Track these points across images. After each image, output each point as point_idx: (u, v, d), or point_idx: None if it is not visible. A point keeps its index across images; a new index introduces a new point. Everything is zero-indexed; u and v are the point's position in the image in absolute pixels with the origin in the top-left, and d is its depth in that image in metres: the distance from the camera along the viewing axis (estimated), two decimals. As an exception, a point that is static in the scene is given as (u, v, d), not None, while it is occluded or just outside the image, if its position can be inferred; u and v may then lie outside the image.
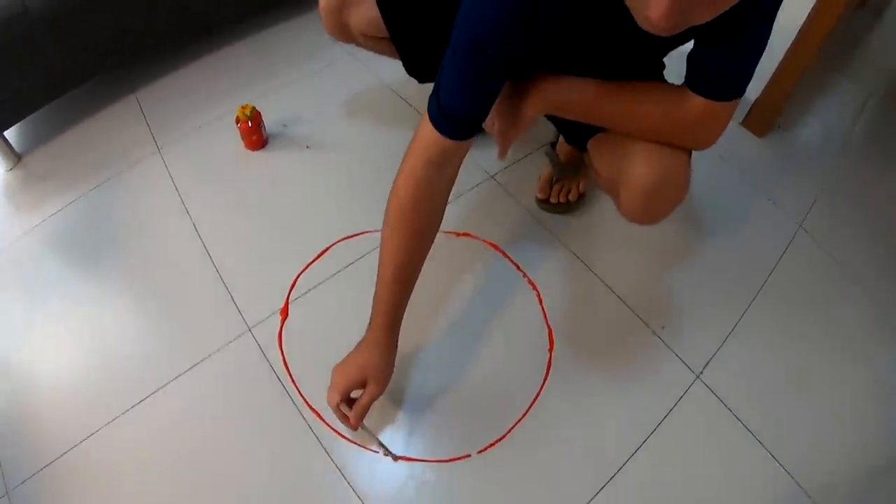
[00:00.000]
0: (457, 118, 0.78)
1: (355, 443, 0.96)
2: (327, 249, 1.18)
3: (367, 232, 1.21)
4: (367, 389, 0.88)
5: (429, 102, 0.79)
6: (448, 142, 0.79)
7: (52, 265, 1.25)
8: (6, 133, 1.43)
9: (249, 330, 1.08)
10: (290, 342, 1.06)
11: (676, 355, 1.06)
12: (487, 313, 1.09)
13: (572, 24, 0.74)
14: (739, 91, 0.77)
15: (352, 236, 1.21)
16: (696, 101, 0.77)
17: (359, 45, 1.20)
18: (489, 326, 1.08)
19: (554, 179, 1.24)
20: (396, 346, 0.92)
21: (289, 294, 1.12)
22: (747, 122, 1.66)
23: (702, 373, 1.05)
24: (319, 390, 0.92)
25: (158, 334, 1.11)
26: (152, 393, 1.02)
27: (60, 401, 1.05)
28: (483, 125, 0.86)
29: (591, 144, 1.00)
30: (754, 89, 1.57)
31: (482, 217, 1.24)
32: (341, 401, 0.89)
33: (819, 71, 2.03)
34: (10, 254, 1.27)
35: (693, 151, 0.88)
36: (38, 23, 1.31)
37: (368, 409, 0.89)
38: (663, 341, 1.08)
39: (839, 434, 1.01)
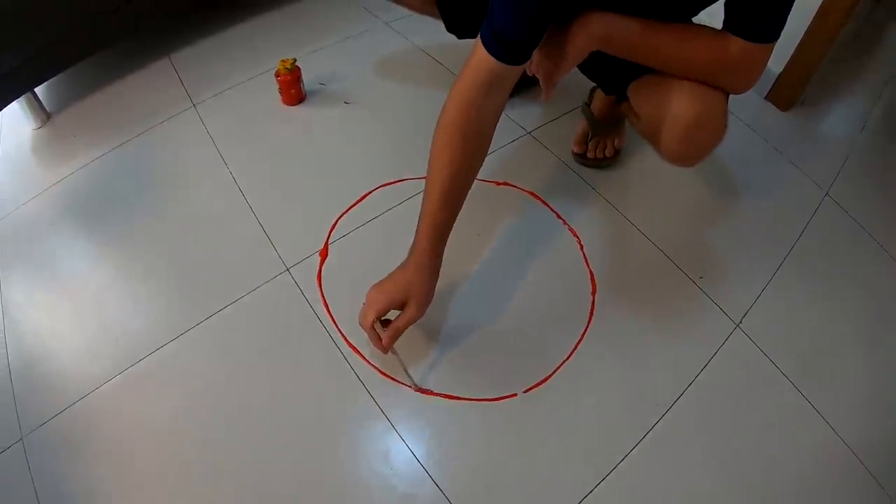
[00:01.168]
0: (509, 40, 0.80)
1: (383, 373, 0.97)
2: (367, 195, 1.21)
3: (407, 179, 1.23)
4: (406, 311, 0.88)
5: (482, 27, 0.82)
6: (499, 65, 0.81)
7: (83, 214, 1.26)
8: (37, 90, 1.44)
9: (288, 270, 1.10)
10: (329, 282, 1.08)
11: (716, 304, 1.08)
12: (529, 258, 1.11)
13: None
14: (774, 35, 0.81)
15: (391, 183, 1.23)
16: (737, 43, 0.81)
17: (403, 4, 1.25)
18: (532, 270, 1.10)
19: (590, 136, 1.27)
20: (438, 272, 0.93)
21: (328, 235, 1.14)
22: (771, 96, 1.72)
23: (741, 322, 1.06)
24: (360, 329, 0.92)
25: (195, 274, 1.12)
26: (187, 330, 1.03)
27: (90, 340, 1.06)
28: (527, 70, 0.89)
29: (632, 88, 1.03)
30: (778, 64, 1.63)
31: (521, 168, 1.27)
32: (376, 319, 0.89)
33: (840, 56, 2.11)
34: (39, 204, 1.28)
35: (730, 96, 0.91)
36: None
37: (403, 332, 0.89)
38: (702, 290, 1.10)
39: (877, 387, 1.02)
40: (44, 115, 1.49)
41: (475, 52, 0.83)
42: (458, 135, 0.86)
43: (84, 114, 1.51)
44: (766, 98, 1.72)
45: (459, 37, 1.25)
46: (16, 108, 1.43)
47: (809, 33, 1.56)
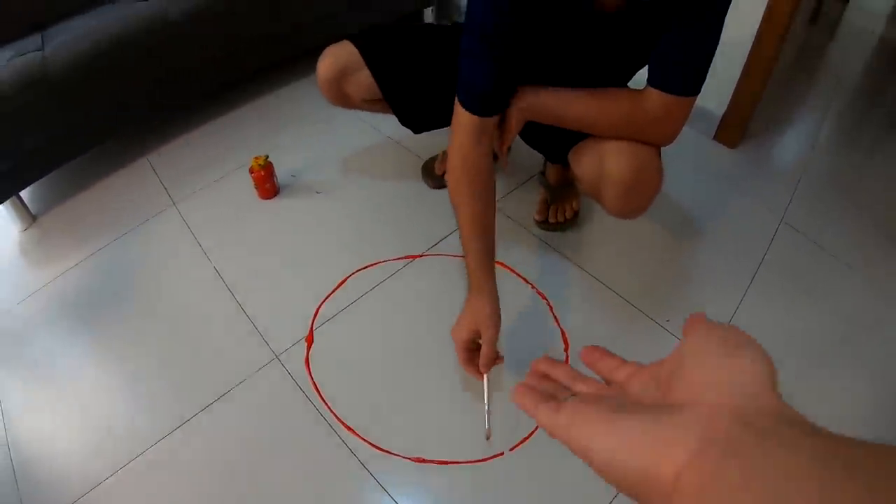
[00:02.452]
0: (478, 95, 0.98)
1: (377, 447, 1.05)
2: (345, 280, 1.32)
3: (381, 262, 1.35)
4: (484, 337, 0.99)
5: (457, 93, 1.00)
6: (476, 118, 0.99)
7: (74, 314, 1.36)
8: (22, 193, 1.57)
9: (277, 357, 1.19)
10: (317, 366, 1.17)
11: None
12: (505, 326, 1.22)
13: (553, 27, 0.96)
14: (693, 89, 0.96)
15: (366, 267, 1.34)
16: (656, 96, 0.96)
17: (358, 108, 1.40)
18: (507, 336, 1.20)
19: (549, 202, 1.41)
20: (497, 294, 1.04)
21: (312, 322, 1.24)
22: (719, 136, 1.91)
23: None
24: (350, 408, 1.03)
25: (186, 369, 1.21)
26: (183, 423, 1.12)
27: (89, 438, 1.13)
28: None
29: (571, 155, 1.18)
30: (720, 105, 1.82)
31: None
32: (467, 351, 1.00)
33: (783, 82, 2.32)
34: (31, 305, 1.38)
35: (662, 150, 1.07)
36: (56, 87, 1.49)
37: (494, 351, 0.99)
38: (670, 332, 1.22)
39: (847, 403, 1.14)
40: (29, 218, 1.62)
41: (457, 116, 1.01)
42: (466, 183, 1.02)
43: (68, 215, 1.63)
44: (714, 139, 1.89)
45: (415, 131, 1.40)
46: (2, 211, 1.56)
47: (745, 74, 1.74)
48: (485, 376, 0.99)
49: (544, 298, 1.27)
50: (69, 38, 1.59)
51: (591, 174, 1.10)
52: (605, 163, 1.05)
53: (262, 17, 1.83)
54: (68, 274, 1.44)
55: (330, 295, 1.29)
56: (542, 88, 1.04)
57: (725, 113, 1.85)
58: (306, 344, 1.21)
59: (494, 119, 1.02)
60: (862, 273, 1.41)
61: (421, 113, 1.34)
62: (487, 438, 1.01)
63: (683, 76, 0.95)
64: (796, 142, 2.02)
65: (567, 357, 1.16)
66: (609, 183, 1.05)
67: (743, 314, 1.27)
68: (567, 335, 1.20)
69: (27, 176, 1.57)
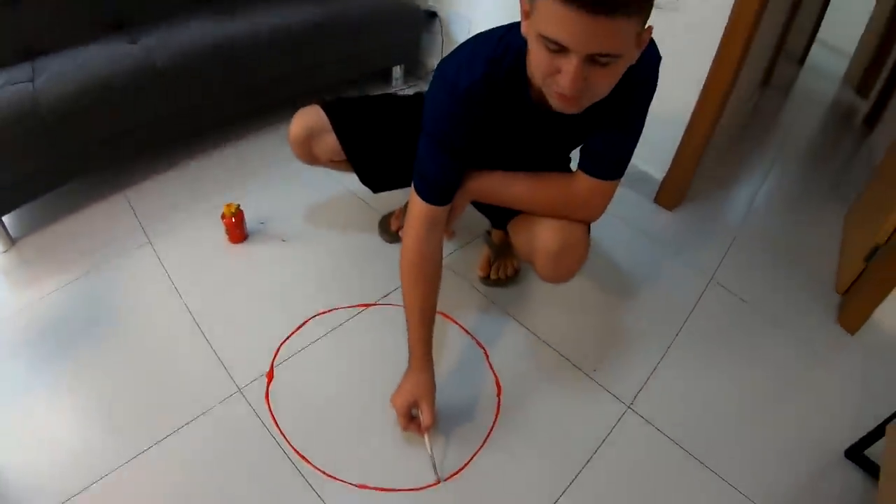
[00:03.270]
0: (433, 186, 1.17)
1: (327, 473, 1.22)
2: (304, 323, 1.50)
3: (338, 308, 1.54)
4: (424, 407, 1.20)
5: (413, 182, 1.20)
6: (431, 207, 1.19)
7: (49, 338, 1.48)
8: (3, 218, 1.72)
9: (240, 390, 1.36)
10: (276, 400, 1.34)
11: (607, 391, 1.40)
12: (445, 370, 1.42)
13: (500, 123, 1.16)
14: (616, 173, 1.18)
15: (325, 312, 1.53)
16: (584, 180, 1.18)
17: (324, 166, 1.60)
18: (447, 381, 1.39)
19: (492, 259, 1.62)
20: (433, 368, 1.25)
21: (273, 360, 1.42)
22: (659, 199, 2.15)
23: (632, 403, 1.39)
24: (305, 439, 1.22)
25: (151, 397, 1.35)
26: (146, 449, 1.25)
27: (55, 460, 1.24)
28: None
29: (509, 226, 1.41)
30: (659, 170, 2.07)
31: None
32: (406, 420, 1.23)
33: (730, 143, 2.61)
34: (8, 328, 1.51)
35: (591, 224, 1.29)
36: (45, 120, 1.65)
37: (433, 418, 1.21)
38: (595, 381, 1.42)
39: (770, 443, 1.36)
40: (9, 241, 1.76)
41: (412, 205, 1.21)
42: (416, 269, 1.22)
43: (47, 241, 1.78)
44: (654, 201, 2.13)
45: (374, 191, 1.62)
46: None
47: (683, 143, 1.99)
48: (426, 435, 1.20)
49: (481, 347, 1.47)
50: (59, 74, 1.75)
51: (525, 245, 1.33)
52: (536, 237, 1.27)
53: (241, 71, 2.04)
54: (45, 299, 1.59)
55: (290, 336, 1.47)
56: (485, 173, 1.26)
57: (665, 178, 2.09)
58: (267, 379, 1.38)
59: (447, 207, 1.21)
60: (786, 330, 1.67)
61: (380, 175, 1.56)
62: (437, 483, 1.21)
63: (608, 164, 1.17)
64: (734, 203, 2.28)
65: (499, 402, 1.36)
66: (539, 254, 1.27)
67: (665, 369, 1.48)
68: (500, 381, 1.40)
69: (9, 203, 1.73)
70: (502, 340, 1.50)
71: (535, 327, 1.54)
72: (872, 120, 3.68)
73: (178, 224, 1.81)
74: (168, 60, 1.86)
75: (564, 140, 1.28)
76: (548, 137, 1.23)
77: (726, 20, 1.71)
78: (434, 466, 1.21)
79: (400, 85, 2.82)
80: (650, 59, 1.11)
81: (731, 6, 1.68)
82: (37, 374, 1.41)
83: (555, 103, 0.97)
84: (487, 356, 1.45)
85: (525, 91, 1.08)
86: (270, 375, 1.39)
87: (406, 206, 1.60)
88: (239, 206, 1.68)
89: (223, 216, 1.67)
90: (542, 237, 1.26)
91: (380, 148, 1.48)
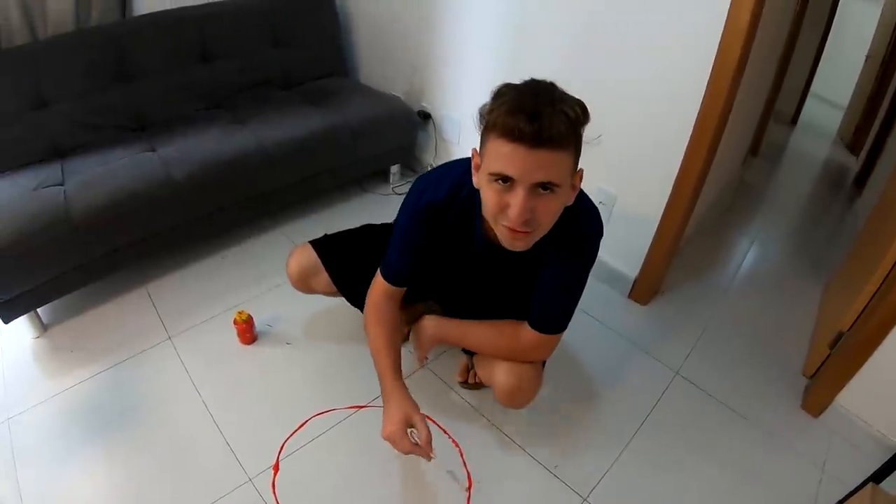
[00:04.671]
0: (393, 271, 1.56)
1: None
2: (306, 422, 1.81)
3: (336, 409, 1.86)
4: (417, 421, 1.45)
5: (380, 264, 1.60)
6: (389, 286, 1.58)
7: (79, 426, 1.79)
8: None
9: (250, 480, 1.66)
10: (282, 490, 1.64)
11: (567, 485, 1.70)
12: (422, 464, 1.71)
13: (453, 243, 1.51)
14: (558, 328, 1.50)
15: (324, 412, 1.85)
16: (530, 333, 1.50)
17: (322, 294, 1.96)
18: (423, 474, 1.70)
19: (470, 367, 1.95)
20: (407, 389, 1.53)
21: (278, 455, 1.72)
22: (632, 295, 2.43)
23: (588, 496, 1.67)
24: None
25: (172, 483, 1.64)
26: None
27: None
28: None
29: (474, 358, 1.77)
30: (633, 269, 2.36)
31: (419, 395, 1.86)
32: (407, 443, 1.43)
33: (709, 225, 2.93)
34: (38, 414, 1.82)
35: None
36: (77, 229, 1.99)
37: (429, 432, 1.45)
38: (557, 477, 1.72)
39: None
40: (41, 328, 2.11)
41: (376, 279, 1.61)
42: (376, 322, 1.60)
43: (76, 332, 2.13)
44: (628, 297, 2.42)
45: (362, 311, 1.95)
46: (19, 319, 2.02)
47: (654, 243, 2.26)
48: (432, 451, 1.45)
49: (457, 446, 1.77)
50: (88, 183, 2.09)
51: (486, 378, 1.69)
52: (493, 374, 1.62)
53: (252, 182, 2.42)
54: (76, 388, 1.91)
55: (294, 433, 1.78)
56: (448, 321, 1.63)
57: (638, 276, 2.37)
58: (273, 471, 1.68)
59: (401, 289, 1.60)
60: (750, 419, 1.93)
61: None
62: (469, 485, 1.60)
63: (551, 321, 1.50)
64: (708, 293, 2.56)
65: (469, 496, 1.67)
66: (496, 389, 1.62)
67: (624, 463, 1.76)
68: (471, 477, 1.70)
69: (43, 298, 2.06)
70: (476, 439, 1.81)
71: (506, 427, 1.85)
72: (862, 181, 3.89)
73: (196, 324, 2.16)
74: (187, 174, 2.21)
75: (510, 279, 1.58)
76: (493, 271, 1.55)
77: (695, 116, 1.94)
78: (454, 473, 1.58)
79: (397, 181, 3.20)
80: (589, 220, 1.43)
81: (700, 102, 1.90)
82: (67, 459, 1.69)
83: (506, 240, 1.25)
84: (462, 455, 1.76)
85: (478, 221, 1.41)
86: (276, 468, 1.69)
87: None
88: (249, 314, 2.02)
89: (235, 321, 2.01)
90: (498, 376, 1.60)
91: (365, 275, 1.78)
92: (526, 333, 1.51)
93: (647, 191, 2.19)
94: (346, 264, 1.82)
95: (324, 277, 1.86)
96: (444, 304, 1.89)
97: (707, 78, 1.87)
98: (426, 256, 1.55)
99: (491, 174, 1.17)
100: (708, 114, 1.92)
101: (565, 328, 1.52)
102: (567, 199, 1.24)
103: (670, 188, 2.12)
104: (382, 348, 1.56)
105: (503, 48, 2.41)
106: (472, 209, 1.42)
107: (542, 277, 1.47)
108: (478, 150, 1.25)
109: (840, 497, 1.54)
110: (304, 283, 1.90)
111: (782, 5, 2.75)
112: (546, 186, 1.15)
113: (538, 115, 1.08)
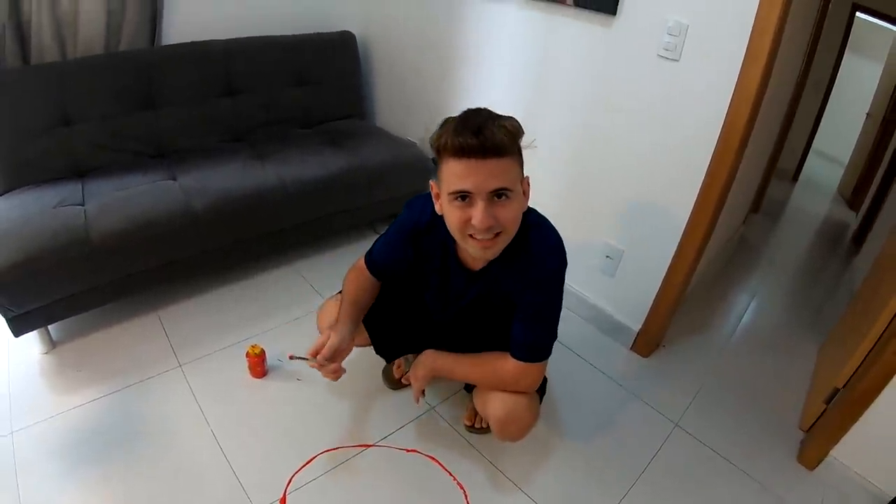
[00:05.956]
0: (372, 260, 1.80)
1: None
2: (313, 458, 1.89)
3: (343, 447, 1.93)
4: (330, 341, 1.64)
5: (367, 253, 1.82)
6: (364, 268, 1.81)
7: (84, 446, 1.84)
8: None
9: None
10: None
11: None
12: (428, 507, 1.82)
13: (433, 262, 1.67)
14: (539, 356, 1.60)
15: (331, 449, 1.92)
16: (512, 364, 1.60)
17: None
18: (429, 517, 1.79)
19: (476, 410, 2.03)
20: (352, 332, 1.72)
21: (286, 488, 1.79)
22: (635, 347, 2.52)
23: None
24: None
25: None
26: None
27: None
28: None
29: (472, 392, 1.86)
30: (636, 322, 2.46)
31: (426, 438, 2.01)
32: (319, 344, 1.66)
33: (710, 281, 3.04)
34: (43, 430, 1.88)
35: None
36: (96, 250, 2.08)
37: (327, 346, 1.64)
38: None
39: None
40: (50, 344, 2.19)
41: (360, 259, 1.84)
42: (355, 286, 1.81)
43: (85, 350, 2.21)
44: (631, 349, 2.51)
45: (387, 360, 2.07)
46: (29, 334, 2.10)
47: (659, 295, 2.35)
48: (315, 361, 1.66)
49: (461, 487, 1.85)
50: (108, 206, 2.19)
51: (481, 410, 1.78)
52: (487, 405, 1.70)
53: (268, 219, 2.54)
54: (83, 408, 1.97)
55: (301, 469, 1.85)
56: (440, 355, 1.75)
57: (641, 329, 2.47)
58: None
59: (374, 279, 1.82)
60: (746, 472, 2.01)
61: (392, 347, 1.99)
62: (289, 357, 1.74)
63: (530, 351, 1.59)
64: (708, 347, 2.67)
65: (472, 537, 1.75)
66: (490, 420, 1.71)
67: None
68: (475, 520, 1.79)
69: (56, 315, 2.14)
70: (480, 482, 1.89)
71: (508, 471, 1.93)
72: (861, 238, 4.03)
73: (206, 353, 2.24)
74: (207, 205, 2.32)
75: (485, 313, 1.70)
76: (479, 302, 1.67)
77: (703, 176, 2.06)
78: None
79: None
80: (544, 235, 1.56)
81: (708, 162, 2.02)
82: (70, 478, 1.74)
83: (476, 252, 1.43)
84: (466, 496, 1.84)
85: (451, 242, 1.55)
86: (283, 501, 1.76)
87: (406, 357, 2.05)
88: (262, 348, 2.11)
89: (248, 354, 2.09)
90: (492, 407, 1.68)
91: (391, 326, 1.91)
92: (509, 364, 1.61)
93: (654, 246, 2.31)
94: (374, 314, 1.89)
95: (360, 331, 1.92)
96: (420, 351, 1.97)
97: (715, 140, 1.99)
98: (403, 267, 1.74)
99: (450, 194, 1.35)
100: (716, 173, 2.04)
101: (547, 356, 1.62)
102: (522, 204, 1.43)
103: (676, 244, 2.23)
104: (346, 300, 1.78)
105: (518, 105, 2.55)
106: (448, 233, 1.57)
107: (517, 310, 1.59)
108: (434, 181, 1.45)
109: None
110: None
111: (789, 67, 2.90)
112: (500, 193, 1.33)
113: (481, 130, 1.27)
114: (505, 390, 1.66)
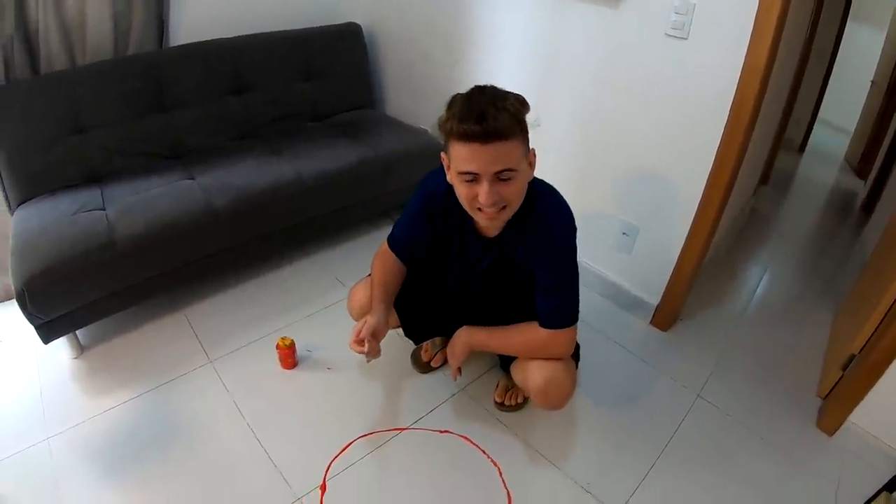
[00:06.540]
0: (395, 239, 1.90)
1: None
2: (349, 444, 1.97)
3: (378, 431, 2.02)
4: (376, 333, 1.77)
5: (389, 234, 1.91)
6: (388, 248, 1.90)
7: (119, 448, 1.91)
8: None
9: (299, 499, 1.80)
10: None
11: (600, 501, 1.85)
12: (463, 484, 1.89)
13: (451, 231, 1.76)
14: (566, 322, 1.69)
15: (366, 435, 2.01)
16: (542, 332, 1.70)
17: None
18: (465, 494, 1.87)
19: (507, 388, 2.13)
20: (386, 314, 1.83)
21: (325, 474, 1.88)
22: (653, 322, 2.61)
23: None
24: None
25: None
26: None
27: None
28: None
29: (511, 366, 1.94)
30: (654, 297, 2.55)
31: (457, 418, 2.09)
32: (356, 335, 1.76)
33: (722, 255, 3.13)
34: (78, 434, 1.96)
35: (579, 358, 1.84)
36: (121, 254, 2.14)
37: (366, 332, 1.75)
38: (591, 494, 1.88)
39: None
40: (79, 348, 2.27)
41: (384, 244, 1.92)
42: (381, 261, 1.91)
43: (114, 354, 2.29)
44: (650, 323, 2.60)
45: (416, 342, 2.16)
46: (58, 340, 2.17)
47: (675, 274, 2.43)
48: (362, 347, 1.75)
49: (495, 464, 1.94)
50: (130, 210, 2.26)
51: (522, 383, 1.86)
52: (526, 375, 1.79)
53: (288, 213, 2.62)
54: (116, 409, 2.05)
55: (338, 455, 1.93)
56: (475, 330, 1.84)
57: (659, 303, 2.56)
58: (320, 491, 1.83)
59: (397, 259, 1.90)
60: (767, 439, 2.10)
61: (421, 329, 2.09)
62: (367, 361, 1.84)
63: (556, 317, 1.68)
64: (724, 319, 2.75)
65: (509, 511, 1.84)
66: (531, 390, 1.79)
67: (654, 478, 1.93)
68: (511, 494, 1.86)
69: (83, 320, 2.21)
70: (513, 458, 1.97)
71: (540, 446, 2.02)
72: (870, 206, 4.10)
73: (235, 348, 2.33)
74: (228, 203, 2.40)
75: (502, 284, 1.80)
76: (498, 270, 1.76)
77: (714, 150, 2.13)
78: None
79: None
80: (549, 204, 1.66)
81: (720, 136, 2.09)
82: (107, 481, 1.82)
83: (482, 222, 1.57)
84: (500, 473, 1.93)
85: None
86: (323, 488, 1.84)
87: (433, 341, 2.14)
88: (293, 340, 2.19)
89: (278, 346, 2.18)
90: (531, 377, 1.77)
91: (419, 309, 2.00)
92: (540, 332, 1.70)
93: (669, 222, 2.39)
94: (403, 297, 1.98)
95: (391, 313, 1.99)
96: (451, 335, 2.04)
97: (726, 115, 2.07)
98: (425, 240, 1.84)
99: (459, 173, 1.47)
100: (727, 148, 2.12)
101: (575, 321, 1.71)
102: (527, 176, 1.54)
103: (691, 219, 2.31)
104: (376, 283, 1.88)
105: (529, 87, 2.61)
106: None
107: (536, 282, 1.68)
108: (444, 154, 1.54)
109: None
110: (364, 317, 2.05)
111: (794, 39, 2.97)
112: (504, 173, 1.43)
113: (484, 116, 1.36)
114: (541, 358, 1.75)
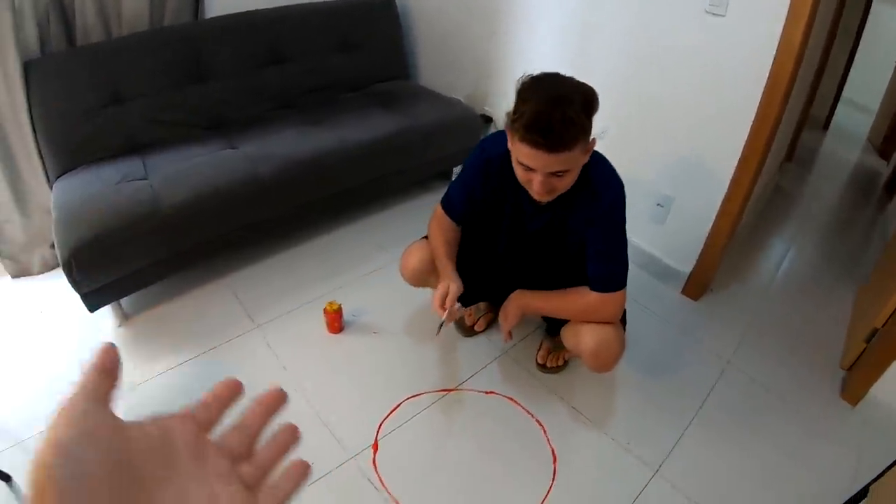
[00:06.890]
0: (449, 202, 1.97)
1: None
2: (399, 405, 2.07)
3: (426, 392, 2.12)
4: (451, 290, 1.81)
5: (443, 198, 2.00)
6: (443, 211, 1.98)
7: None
8: None
9: (353, 457, 1.89)
10: (382, 466, 1.89)
11: (639, 459, 1.96)
12: (510, 442, 1.99)
13: (506, 194, 1.83)
14: (616, 286, 1.78)
15: (414, 396, 2.11)
16: (593, 296, 1.79)
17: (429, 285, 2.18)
18: (512, 451, 1.97)
19: (550, 350, 2.22)
20: (456, 274, 1.87)
21: (377, 434, 1.98)
22: (685, 291, 2.71)
23: (658, 470, 1.93)
24: (412, 499, 1.78)
25: None
26: None
27: None
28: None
29: (562, 331, 2.02)
30: (686, 265, 2.64)
31: (501, 380, 2.19)
32: (440, 299, 1.81)
33: (749, 230, 3.18)
34: (130, 401, 2.00)
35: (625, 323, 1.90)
36: (166, 221, 2.21)
37: (452, 297, 1.80)
38: (629, 451, 1.98)
39: None
40: (122, 316, 2.34)
41: (438, 206, 2.01)
42: (437, 228, 1.99)
43: (158, 322, 2.37)
44: (682, 293, 2.69)
45: (465, 305, 2.25)
46: (103, 309, 2.24)
47: (707, 244, 2.53)
48: (445, 311, 1.80)
49: (539, 424, 2.04)
50: (173, 178, 2.33)
51: (573, 345, 1.94)
52: (579, 339, 1.88)
53: (330, 181, 2.70)
54: (163, 376, 2.13)
55: (388, 416, 2.03)
56: (528, 293, 1.92)
57: (691, 273, 2.65)
58: (373, 450, 1.92)
59: (452, 222, 1.98)
60: (793, 406, 2.19)
61: (471, 294, 2.13)
62: (437, 333, 1.89)
63: (606, 281, 1.78)
64: (752, 290, 2.85)
65: (555, 469, 1.92)
66: (583, 353, 1.88)
67: (687, 441, 2.02)
68: (555, 452, 1.96)
69: (128, 289, 2.28)
70: (556, 418, 2.07)
71: (581, 406, 2.12)
72: (893, 186, 4.17)
73: (281, 314, 2.42)
74: (273, 171, 2.48)
75: (552, 232, 1.86)
76: (537, 220, 1.84)
77: (749, 125, 2.21)
78: (442, 324, 1.85)
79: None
80: (603, 174, 1.75)
81: (754, 112, 2.17)
82: None
83: (533, 194, 1.62)
84: (545, 431, 2.02)
85: None
86: (376, 447, 1.94)
87: (476, 306, 2.23)
88: (340, 304, 2.28)
89: (326, 311, 2.27)
90: (583, 340, 1.86)
91: (468, 273, 2.04)
92: (591, 296, 1.79)
93: (702, 194, 2.47)
94: (458, 264, 2.02)
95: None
96: (496, 301, 2.14)
97: (760, 93, 2.14)
98: (480, 202, 1.90)
99: (517, 160, 1.55)
100: (761, 125, 2.20)
101: (623, 285, 1.80)
102: (580, 167, 1.60)
103: (724, 192, 2.40)
104: (439, 245, 1.95)
105: (564, 59, 2.71)
106: None
107: (587, 248, 1.78)
108: (509, 127, 1.57)
109: (876, 474, 1.78)
110: (420, 279, 2.13)
111: (824, 18, 3.03)
112: (560, 172, 1.52)
113: (551, 130, 1.42)
114: (591, 321, 1.84)
